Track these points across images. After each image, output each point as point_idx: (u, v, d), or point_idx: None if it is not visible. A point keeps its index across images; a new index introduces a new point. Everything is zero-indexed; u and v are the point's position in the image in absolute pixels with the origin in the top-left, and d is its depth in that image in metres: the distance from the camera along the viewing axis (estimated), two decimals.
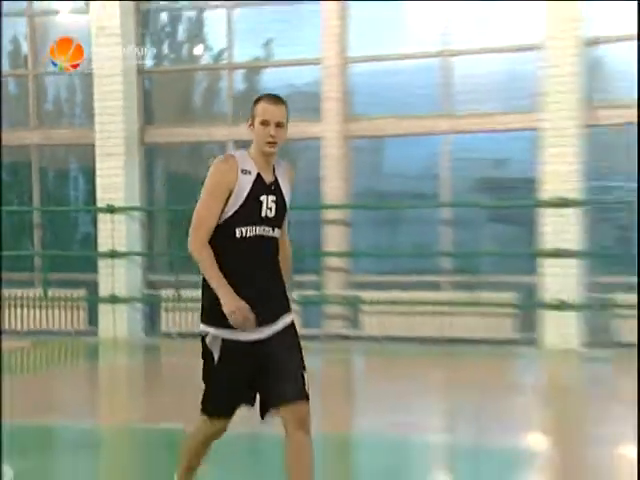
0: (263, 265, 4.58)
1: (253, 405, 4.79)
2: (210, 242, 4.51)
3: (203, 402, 4.76)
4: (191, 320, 14.29)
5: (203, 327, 4.57)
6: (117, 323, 14.65)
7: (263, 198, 4.53)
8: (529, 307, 13.42)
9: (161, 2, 15.63)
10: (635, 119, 12.95)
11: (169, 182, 15.99)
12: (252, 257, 4.52)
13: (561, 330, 12.85)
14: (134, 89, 15.00)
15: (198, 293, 15.66)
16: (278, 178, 4.65)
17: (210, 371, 4.68)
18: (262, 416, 4.70)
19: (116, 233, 14.73)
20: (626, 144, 13.56)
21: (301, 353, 4.69)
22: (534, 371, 12.58)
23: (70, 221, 16.70)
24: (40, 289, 15.17)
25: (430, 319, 13.26)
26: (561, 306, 12.79)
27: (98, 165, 14.85)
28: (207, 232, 4.50)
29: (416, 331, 13.34)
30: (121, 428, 8.73)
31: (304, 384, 4.62)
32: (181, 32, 15.55)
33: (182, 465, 5.01)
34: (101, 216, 14.84)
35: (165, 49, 15.82)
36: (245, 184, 4.49)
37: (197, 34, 15.62)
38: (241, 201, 4.48)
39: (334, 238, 14.34)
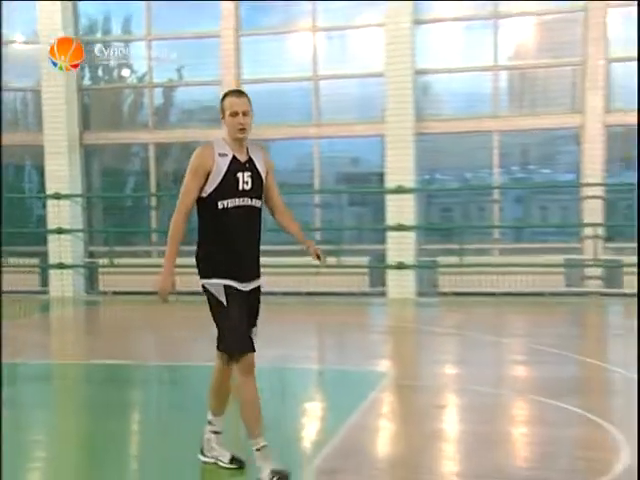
0: (244, 231, 4.32)
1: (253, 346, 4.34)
2: (199, 212, 4.32)
3: (228, 347, 4.27)
4: (122, 281, 14.15)
5: (205, 281, 4.29)
6: (64, 284, 14.35)
7: (239, 174, 4.29)
8: (378, 268, 13.66)
9: (97, 35, 15.25)
10: (453, 130, 13.39)
11: (103, 175, 15.68)
12: (233, 224, 4.25)
13: (401, 284, 13.14)
14: (75, 102, 14.62)
15: (128, 260, 15.28)
16: (252, 157, 4.40)
17: (224, 314, 4.25)
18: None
19: (62, 214, 14.43)
20: (448, 148, 13.96)
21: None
22: (383, 315, 12.84)
23: (26, 206, 16.26)
24: (3, 259, 14.72)
25: (305, 278, 13.36)
26: (401, 266, 13.08)
27: (47, 162, 14.49)
28: (188, 204, 4.28)
29: (296, 287, 13.45)
30: (70, 363, 8.59)
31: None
32: (112, 59, 15.23)
33: (249, 420, 4.30)
34: (50, 201, 14.47)
35: (100, 72, 15.47)
36: (222, 165, 4.26)
37: (124, 61, 15.31)
38: (219, 179, 4.23)
39: None
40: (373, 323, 12.02)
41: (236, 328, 4.23)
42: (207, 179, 4.25)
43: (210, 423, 4.60)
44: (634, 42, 12.60)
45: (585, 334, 10.59)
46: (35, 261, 14.82)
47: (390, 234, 13.23)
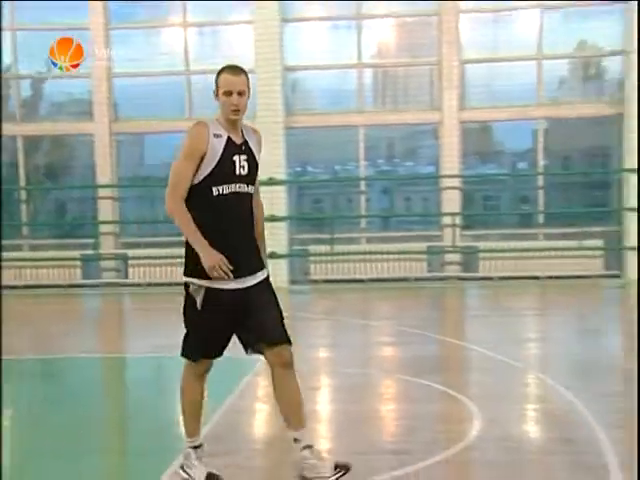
0: (240, 220, 3.83)
1: (221, 355, 3.97)
2: (188, 202, 3.74)
3: (185, 347, 3.91)
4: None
5: (186, 279, 3.82)
6: None
7: (236, 158, 3.77)
8: None
9: None
10: (321, 124, 13.53)
11: None
12: (229, 213, 3.76)
13: (274, 273, 13.10)
14: None
15: (12, 254, 14.21)
16: (247, 139, 3.87)
17: (193, 317, 3.84)
18: (246, 351, 4.05)
19: None
20: (317, 141, 14.10)
21: (279, 305, 3.96)
22: None
23: None
24: None
25: (176, 268, 13.13)
26: (273, 256, 13.09)
27: None
28: (183, 191, 3.71)
29: (173, 278, 13.23)
30: None
31: (284, 330, 3.95)
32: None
33: (188, 419, 3.99)
34: None
35: None
36: (217, 147, 3.72)
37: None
38: (215, 162, 3.70)
39: (107, 210, 13.92)
40: None
41: (201, 339, 3.87)
42: (200, 163, 3.73)
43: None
44: (485, 45, 13.24)
45: (445, 316, 11.01)
46: None
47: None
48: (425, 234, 13.60)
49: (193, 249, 3.74)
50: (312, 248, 13.41)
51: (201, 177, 3.73)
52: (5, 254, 13.71)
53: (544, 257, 12.82)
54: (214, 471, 3.92)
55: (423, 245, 13.20)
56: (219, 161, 3.73)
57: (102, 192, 13.93)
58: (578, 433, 4.75)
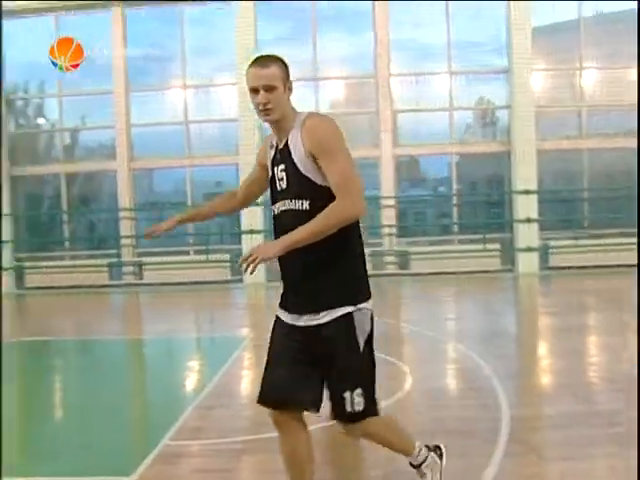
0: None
1: (277, 403, 2.51)
2: None
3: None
4: None
5: None
6: None
7: (275, 170, 2.41)
8: (236, 262, 13.45)
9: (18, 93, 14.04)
10: None
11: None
12: (280, 235, 2.34)
13: (256, 274, 13.04)
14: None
15: (57, 262, 13.61)
16: (289, 142, 2.34)
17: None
18: None
19: None
20: None
21: (350, 369, 2.46)
22: (242, 296, 12.43)
23: None
24: None
25: (189, 272, 13.03)
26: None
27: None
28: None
29: (181, 279, 13.05)
30: None
31: (344, 404, 2.45)
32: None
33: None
34: None
35: (22, 120, 14.37)
36: (269, 159, 2.47)
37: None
38: (270, 177, 2.48)
39: (126, 228, 13.74)
40: (234, 302, 11.83)
41: (265, 374, 2.55)
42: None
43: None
44: (411, 99, 13.46)
45: (385, 302, 10.95)
46: None
47: (244, 237, 12.96)
48: (370, 241, 13.59)
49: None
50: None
51: None
52: (51, 262, 13.52)
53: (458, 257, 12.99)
54: None
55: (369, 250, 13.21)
56: (271, 177, 2.47)
57: (123, 214, 13.79)
58: (481, 383, 4.86)
